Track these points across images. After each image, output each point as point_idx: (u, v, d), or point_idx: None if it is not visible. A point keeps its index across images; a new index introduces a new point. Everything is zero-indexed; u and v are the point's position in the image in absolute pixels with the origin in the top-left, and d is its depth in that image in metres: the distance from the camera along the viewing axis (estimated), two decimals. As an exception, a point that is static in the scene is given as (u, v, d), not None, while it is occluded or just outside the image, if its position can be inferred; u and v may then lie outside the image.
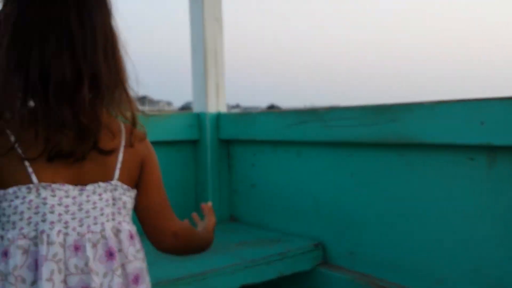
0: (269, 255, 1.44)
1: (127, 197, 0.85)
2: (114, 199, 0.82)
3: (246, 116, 1.81)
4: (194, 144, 1.93)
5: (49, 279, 0.74)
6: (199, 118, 1.89)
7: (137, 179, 0.88)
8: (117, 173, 0.83)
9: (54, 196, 0.77)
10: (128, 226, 0.84)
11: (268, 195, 1.75)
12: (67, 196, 0.78)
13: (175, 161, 1.89)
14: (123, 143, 0.85)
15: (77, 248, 0.77)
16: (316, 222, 1.57)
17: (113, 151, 0.83)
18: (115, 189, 0.82)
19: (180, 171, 1.90)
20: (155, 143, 1.90)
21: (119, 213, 0.83)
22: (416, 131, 1.22)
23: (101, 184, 0.81)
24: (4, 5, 0.80)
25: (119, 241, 0.82)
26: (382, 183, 1.36)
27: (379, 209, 1.38)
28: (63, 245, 0.76)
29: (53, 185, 0.77)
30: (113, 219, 0.82)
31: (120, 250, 0.82)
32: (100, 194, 0.81)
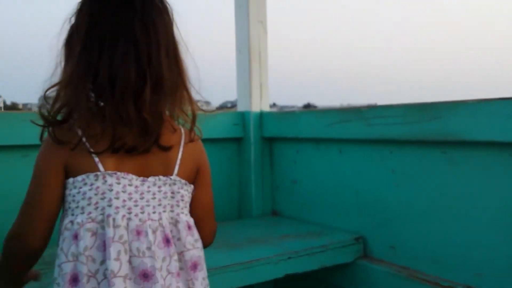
0: (311, 247, 1.50)
1: (185, 191, 0.93)
2: (172, 192, 0.91)
3: (288, 114, 1.88)
4: (238, 141, 2.02)
5: (117, 259, 0.82)
6: (243, 116, 1.98)
7: (193, 178, 0.96)
8: (176, 168, 0.92)
9: (118, 183, 0.85)
10: (185, 218, 0.93)
11: (309, 191, 1.81)
12: (130, 185, 0.87)
13: (220, 158, 1.98)
14: (182, 142, 0.94)
15: (139, 232, 0.85)
16: (357, 217, 1.62)
17: (171, 147, 0.91)
18: (174, 183, 0.91)
19: (224, 168, 1.99)
20: (202, 141, 2.03)
21: (177, 205, 0.92)
22: (458, 129, 1.26)
23: (161, 177, 0.90)
24: (77, 17, 0.90)
25: (178, 231, 0.90)
26: (424, 179, 1.40)
27: (420, 205, 1.42)
28: (127, 229, 0.85)
29: (118, 173, 0.86)
30: (171, 211, 0.90)
31: (178, 239, 0.90)
32: (159, 187, 0.89)
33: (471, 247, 1.30)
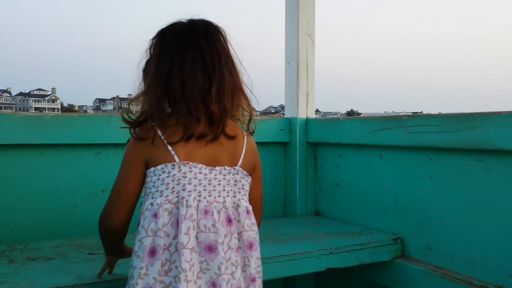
0: (351, 244, 1.62)
1: (245, 181, 1.11)
2: (235, 180, 1.09)
3: (333, 121, 2.01)
4: (284, 145, 2.16)
5: (187, 233, 1.01)
6: (290, 122, 2.12)
7: (251, 171, 1.14)
8: (240, 161, 1.09)
9: (191, 171, 1.04)
10: (245, 203, 1.10)
11: (351, 193, 1.93)
12: (200, 173, 1.05)
13: (268, 160, 2.13)
14: (245, 138, 1.13)
15: (207, 212, 1.04)
16: (396, 219, 1.72)
17: (236, 137, 1.10)
18: (237, 173, 1.09)
19: (271, 170, 2.14)
20: None
21: (239, 192, 1.09)
22: (493, 138, 1.35)
23: (226, 167, 1.08)
24: (151, 47, 1.11)
25: (238, 214, 1.08)
26: (460, 184, 1.50)
27: (456, 208, 1.51)
28: (197, 209, 1.03)
29: (190, 163, 1.05)
30: (234, 196, 1.08)
31: (238, 221, 1.08)
32: (224, 175, 1.08)
33: (504, 249, 1.38)
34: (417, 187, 1.64)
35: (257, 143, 2.03)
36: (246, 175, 1.12)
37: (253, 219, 1.11)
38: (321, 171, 2.10)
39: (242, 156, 1.11)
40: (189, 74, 1.04)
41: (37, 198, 1.66)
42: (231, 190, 1.08)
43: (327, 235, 1.76)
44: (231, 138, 1.09)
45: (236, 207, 1.09)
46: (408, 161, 1.67)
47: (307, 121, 2.10)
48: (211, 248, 1.02)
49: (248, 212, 1.11)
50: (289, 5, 2.09)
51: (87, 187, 1.74)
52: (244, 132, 1.15)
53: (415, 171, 1.65)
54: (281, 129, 2.12)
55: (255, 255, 1.09)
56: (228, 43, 1.12)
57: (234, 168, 1.09)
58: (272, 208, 2.13)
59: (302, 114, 2.10)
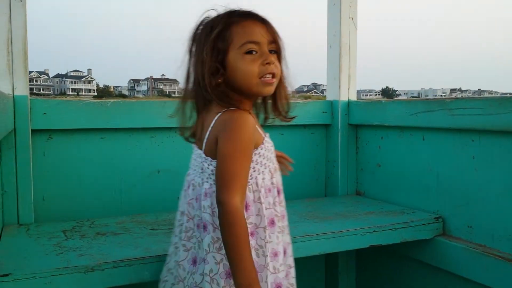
0: (394, 223, 1.69)
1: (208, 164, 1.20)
2: None
3: (375, 104, 2.06)
4: (326, 127, 2.23)
5: None
6: (332, 105, 2.19)
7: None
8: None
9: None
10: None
11: (392, 173, 1.99)
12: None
13: (310, 142, 2.21)
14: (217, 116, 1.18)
15: None
16: (438, 198, 1.78)
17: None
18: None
19: (313, 151, 2.22)
20: (294, 126, 2.34)
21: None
22: (536, 120, 1.39)
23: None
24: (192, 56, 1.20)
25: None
26: (501, 165, 1.54)
27: (497, 189, 1.56)
28: None
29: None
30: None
31: None
32: None
33: (546, 228, 1.43)
34: (459, 168, 1.69)
35: (301, 125, 2.15)
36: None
37: (210, 202, 1.12)
38: (363, 152, 2.17)
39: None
40: None
41: (100, 178, 1.80)
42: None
43: (370, 214, 1.83)
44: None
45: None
46: (451, 143, 1.72)
47: (349, 103, 2.16)
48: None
49: (205, 194, 1.13)
50: (332, -10, 2.13)
51: (144, 168, 1.87)
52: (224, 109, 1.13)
53: (457, 152, 1.70)
54: (323, 112, 2.19)
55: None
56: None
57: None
58: (315, 188, 2.22)
59: (344, 97, 2.16)
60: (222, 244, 1.05)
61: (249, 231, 1.08)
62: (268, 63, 1.13)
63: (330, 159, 2.23)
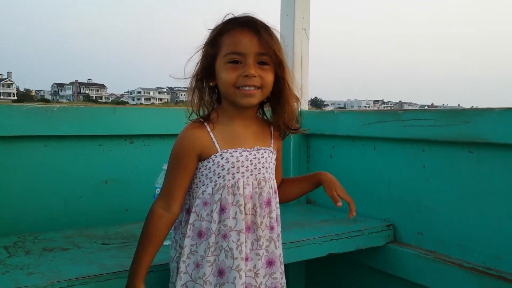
0: (350, 231, 1.72)
1: None
2: None
3: (327, 114, 2.10)
4: (277, 136, 2.23)
5: None
6: (284, 114, 2.19)
7: None
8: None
9: None
10: None
11: (344, 182, 2.00)
12: None
13: (261, 150, 2.20)
14: None
15: None
16: (389, 206, 1.84)
17: None
18: None
19: (265, 159, 2.21)
20: None
21: None
22: (485, 132, 1.47)
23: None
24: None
25: None
26: (452, 174, 1.62)
27: (447, 197, 1.63)
28: None
29: None
30: None
31: None
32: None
33: (492, 234, 1.51)
34: (410, 177, 1.75)
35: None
36: None
37: None
38: (314, 161, 2.19)
39: None
40: None
41: (44, 189, 1.67)
42: None
43: (324, 222, 1.85)
44: None
45: None
46: (402, 152, 1.78)
47: (301, 113, 2.18)
48: None
49: None
50: (285, 0, 2.14)
51: (91, 178, 1.76)
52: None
53: (408, 161, 1.76)
54: (275, 121, 2.19)
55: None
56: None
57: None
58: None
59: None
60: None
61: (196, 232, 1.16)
62: (246, 76, 1.11)
63: (282, 168, 2.22)
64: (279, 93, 1.20)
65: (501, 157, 1.47)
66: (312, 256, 1.63)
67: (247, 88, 1.13)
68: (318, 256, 1.64)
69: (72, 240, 1.51)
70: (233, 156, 1.16)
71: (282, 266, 1.26)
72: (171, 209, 1.16)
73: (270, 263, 1.20)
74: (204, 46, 1.19)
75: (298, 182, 1.43)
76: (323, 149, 2.14)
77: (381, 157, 1.86)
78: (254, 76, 1.12)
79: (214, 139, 1.16)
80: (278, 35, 1.20)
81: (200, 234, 1.16)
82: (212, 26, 1.18)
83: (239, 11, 1.16)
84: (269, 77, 1.15)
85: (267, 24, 1.17)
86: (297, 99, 1.26)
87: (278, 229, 1.25)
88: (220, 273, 1.14)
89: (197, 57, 1.19)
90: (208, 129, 1.17)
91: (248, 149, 1.18)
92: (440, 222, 1.66)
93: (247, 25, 1.14)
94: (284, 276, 1.26)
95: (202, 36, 1.20)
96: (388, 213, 1.84)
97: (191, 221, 1.17)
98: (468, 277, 1.52)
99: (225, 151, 1.16)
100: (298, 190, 1.41)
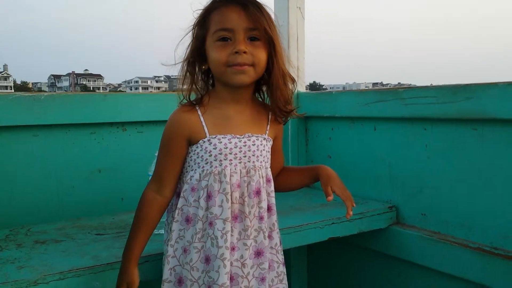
0: (351, 214, 1.67)
1: None
2: None
3: (325, 95, 2.04)
4: (275, 119, 2.17)
5: None
6: (281, 96, 2.13)
7: None
8: None
9: None
10: None
11: (344, 165, 1.98)
12: None
13: (259, 134, 2.14)
14: None
15: None
16: (390, 188, 1.79)
17: None
18: None
19: (262, 143, 2.16)
20: None
21: None
22: (489, 108, 1.42)
23: None
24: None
25: None
26: (455, 153, 1.56)
27: (450, 176, 1.59)
28: None
29: None
30: None
31: None
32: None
33: (498, 213, 1.47)
34: (412, 157, 1.70)
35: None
36: None
37: None
38: (313, 143, 2.14)
39: None
40: None
41: (35, 180, 1.62)
42: None
43: (324, 206, 1.80)
44: None
45: None
46: (403, 132, 1.73)
47: (298, 95, 2.12)
48: None
49: None
50: (278, -22, 2.07)
51: (84, 167, 1.71)
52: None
53: (409, 141, 1.71)
54: (272, 104, 2.13)
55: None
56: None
57: None
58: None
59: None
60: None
61: (184, 217, 1.13)
62: (236, 52, 1.06)
63: (279, 152, 2.17)
64: (275, 80, 1.14)
65: (506, 134, 1.42)
66: (313, 241, 1.59)
67: (238, 66, 1.07)
68: (319, 241, 1.60)
69: (65, 232, 1.47)
70: (221, 142, 1.11)
71: (279, 256, 1.22)
72: (163, 192, 1.14)
73: (258, 253, 1.15)
74: (193, 28, 1.13)
75: (298, 173, 1.36)
76: (322, 132, 2.08)
77: (381, 137, 1.81)
78: (245, 53, 1.06)
79: (203, 123, 1.12)
80: (271, 13, 1.14)
81: (187, 220, 1.12)
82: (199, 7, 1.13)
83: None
84: (261, 54, 1.09)
85: (258, 0, 1.11)
86: (293, 80, 1.19)
87: (272, 218, 1.20)
88: (207, 260, 1.11)
89: (188, 40, 1.14)
90: (199, 112, 1.13)
91: (238, 136, 1.13)
92: (444, 202, 1.62)
93: (235, 0, 1.08)
94: (281, 265, 1.22)
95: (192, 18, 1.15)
96: (390, 194, 1.80)
97: (179, 206, 1.14)
98: (474, 258, 1.48)
99: (214, 136, 1.11)
100: (296, 181, 1.34)
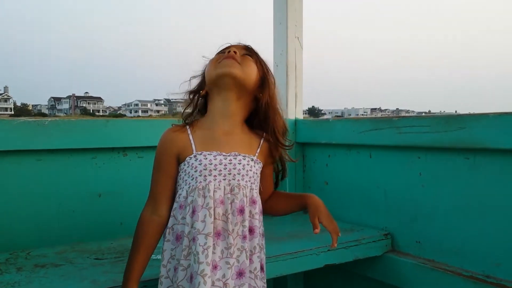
0: (347, 241, 1.69)
1: None
2: None
3: (322, 122, 2.08)
4: (273, 146, 2.21)
5: None
6: (279, 123, 2.18)
7: None
8: None
9: None
10: None
11: (340, 191, 2.01)
12: None
13: (257, 160, 2.18)
14: None
15: None
16: (386, 215, 1.82)
17: None
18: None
19: (260, 169, 2.19)
20: None
21: None
22: (481, 137, 1.46)
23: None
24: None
25: None
26: (448, 181, 1.60)
27: (444, 204, 1.62)
28: None
29: None
30: None
31: None
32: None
33: (490, 241, 1.49)
34: (407, 184, 1.74)
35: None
36: None
37: None
38: (310, 170, 2.17)
39: None
40: None
41: (36, 204, 1.64)
42: None
43: (321, 232, 1.81)
44: None
45: None
46: (398, 160, 1.77)
47: (296, 122, 2.17)
48: None
49: None
50: (278, 8, 2.14)
51: (84, 191, 1.74)
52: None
53: (404, 169, 1.74)
54: (270, 130, 2.17)
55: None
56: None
57: None
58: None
59: (291, 116, 2.16)
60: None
61: (174, 236, 1.16)
62: (228, 52, 1.19)
63: (277, 178, 2.20)
64: (265, 110, 1.22)
65: (498, 163, 1.46)
66: (309, 268, 1.61)
67: (226, 58, 1.18)
68: (315, 268, 1.61)
69: (65, 256, 1.49)
70: (206, 158, 1.15)
71: (258, 282, 1.18)
72: (158, 211, 1.17)
73: (240, 273, 1.14)
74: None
75: (287, 199, 1.38)
76: (319, 158, 2.12)
77: (377, 165, 1.85)
78: (235, 52, 1.18)
79: (192, 141, 1.17)
80: (270, 66, 1.28)
81: (177, 238, 1.15)
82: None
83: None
84: (252, 66, 1.20)
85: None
86: (282, 116, 1.29)
87: (254, 241, 1.18)
88: (191, 278, 1.10)
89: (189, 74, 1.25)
90: (189, 131, 1.19)
91: (224, 154, 1.17)
92: (438, 230, 1.64)
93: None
94: None
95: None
96: (385, 222, 1.82)
97: (169, 225, 1.16)
98: (467, 286, 1.50)
99: (200, 153, 1.15)
100: (284, 207, 1.36)
